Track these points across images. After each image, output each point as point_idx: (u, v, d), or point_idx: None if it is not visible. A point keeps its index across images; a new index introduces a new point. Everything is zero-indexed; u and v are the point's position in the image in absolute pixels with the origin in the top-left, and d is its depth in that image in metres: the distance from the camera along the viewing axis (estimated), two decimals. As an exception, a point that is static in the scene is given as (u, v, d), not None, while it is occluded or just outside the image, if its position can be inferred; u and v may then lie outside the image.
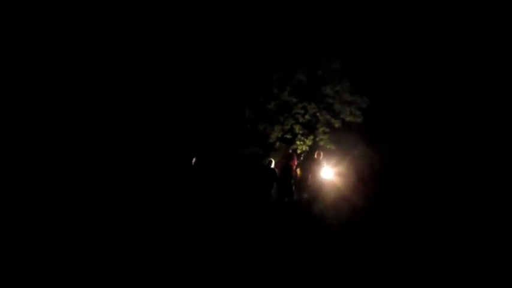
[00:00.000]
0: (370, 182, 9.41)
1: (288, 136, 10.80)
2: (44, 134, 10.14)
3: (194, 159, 9.60)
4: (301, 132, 10.80)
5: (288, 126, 10.86)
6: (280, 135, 10.75)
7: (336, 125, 10.66)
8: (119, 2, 11.02)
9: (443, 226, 7.60)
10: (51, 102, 10.47)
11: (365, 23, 10.66)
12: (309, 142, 10.69)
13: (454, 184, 9.19)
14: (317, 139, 10.64)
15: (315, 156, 9.77)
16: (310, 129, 10.78)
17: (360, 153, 9.99)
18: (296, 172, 9.68)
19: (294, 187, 9.41)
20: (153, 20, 10.95)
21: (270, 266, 5.92)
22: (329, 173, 9.69)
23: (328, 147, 10.41)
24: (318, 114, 10.80)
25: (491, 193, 8.71)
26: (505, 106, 9.87)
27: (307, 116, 10.86)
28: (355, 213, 8.42)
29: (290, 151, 10.29)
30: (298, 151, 10.55)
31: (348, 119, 10.67)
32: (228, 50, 11.05)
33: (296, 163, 9.80)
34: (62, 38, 10.72)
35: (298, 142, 10.69)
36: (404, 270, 5.84)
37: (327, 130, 10.71)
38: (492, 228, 7.35)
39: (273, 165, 9.39)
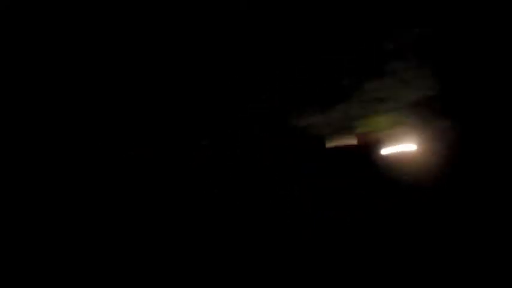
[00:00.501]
0: (448, 161, 9.32)
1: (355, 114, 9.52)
2: (43, 134, 10.28)
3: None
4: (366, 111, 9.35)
5: (355, 105, 9.35)
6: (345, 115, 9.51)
7: (407, 100, 9.00)
8: (120, 2, 8.53)
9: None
10: (51, 102, 10.05)
11: None
12: (377, 122, 9.50)
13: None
14: (383, 118, 9.36)
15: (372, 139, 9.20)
16: (377, 107, 9.27)
17: (436, 129, 9.14)
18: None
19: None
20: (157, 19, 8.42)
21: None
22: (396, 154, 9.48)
23: (399, 125, 9.38)
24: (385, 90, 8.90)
25: None
26: None
27: (375, 94, 9.04)
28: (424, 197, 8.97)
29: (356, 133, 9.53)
30: (364, 132, 9.60)
31: (421, 94, 8.83)
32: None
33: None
34: (63, 37, 9.00)
35: (363, 122, 9.53)
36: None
37: (399, 106, 9.18)
38: None
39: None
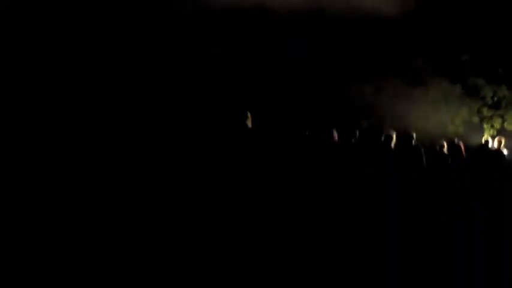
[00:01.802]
0: None
1: (475, 119, 9.52)
2: (43, 133, 10.41)
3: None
4: (489, 114, 9.49)
5: (475, 109, 9.49)
6: (467, 118, 9.61)
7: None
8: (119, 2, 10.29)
9: None
10: (51, 102, 10.27)
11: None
12: (497, 125, 9.58)
13: None
14: (505, 123, 9.42)
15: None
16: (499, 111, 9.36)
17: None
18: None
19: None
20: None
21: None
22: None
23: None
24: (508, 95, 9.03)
25: None
26: None
27: (496, 98, 9.22)
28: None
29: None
30: (486, 135, 9.60)
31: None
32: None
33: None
34: (62, 37, 10.17)
35: (485, 125, 9.64)
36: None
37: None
38: None
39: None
